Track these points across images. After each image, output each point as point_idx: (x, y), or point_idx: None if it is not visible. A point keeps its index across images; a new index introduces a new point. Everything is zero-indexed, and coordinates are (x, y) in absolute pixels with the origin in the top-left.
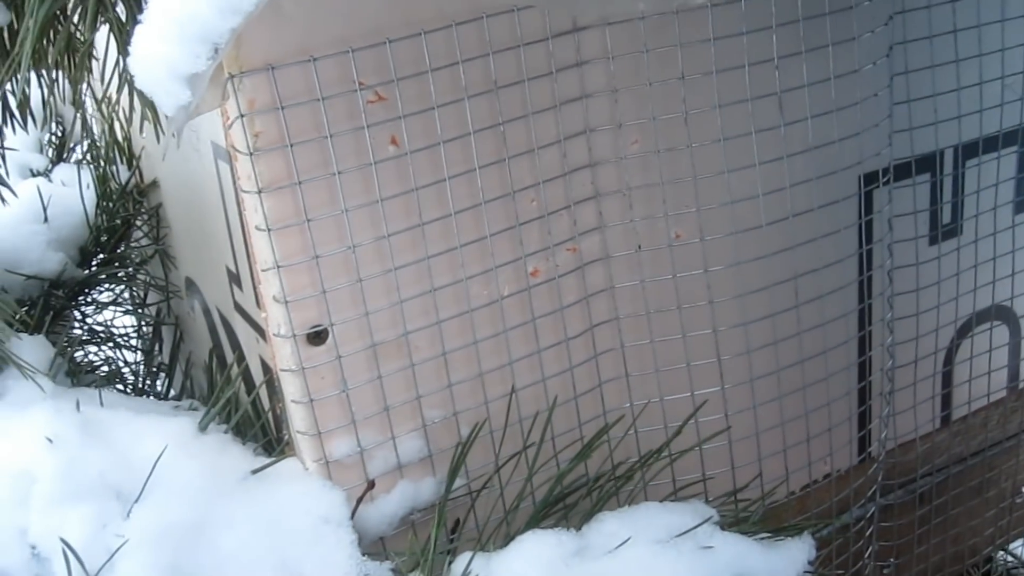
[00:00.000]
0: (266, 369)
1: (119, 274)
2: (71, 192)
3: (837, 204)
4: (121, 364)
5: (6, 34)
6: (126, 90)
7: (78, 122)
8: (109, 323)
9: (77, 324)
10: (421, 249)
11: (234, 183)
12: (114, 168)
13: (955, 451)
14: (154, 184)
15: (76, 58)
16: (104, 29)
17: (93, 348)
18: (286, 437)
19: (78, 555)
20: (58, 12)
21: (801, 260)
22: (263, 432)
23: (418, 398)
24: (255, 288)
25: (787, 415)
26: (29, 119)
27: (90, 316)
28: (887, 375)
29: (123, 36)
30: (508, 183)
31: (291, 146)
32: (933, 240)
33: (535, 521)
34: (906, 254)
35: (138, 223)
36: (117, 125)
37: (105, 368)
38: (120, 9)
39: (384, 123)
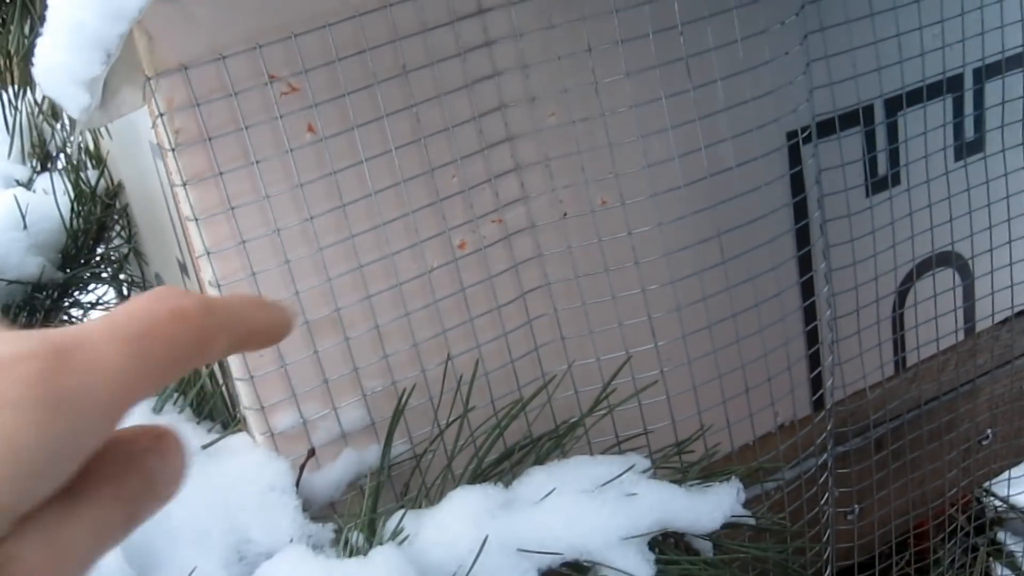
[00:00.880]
0: None
1: (101, 274)
2: (50, 200)
3: (758, 161)
4: None
5: None
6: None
7: (54, 132)
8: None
9: (64, 324)
10: (345, 229)
11: (168, 178)
12: (85, 173)
13: (911, 396)
14: (120, 186)
15: (14, 68)
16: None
17: None
18: (239, 414)
19: None
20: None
21: (726, 217)
22: (224, 411)
23: (355, 370)
24: (196, 276)
25: (723, 368)
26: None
27: (76, 319)
28: (829, 325)
29: None
30: (427, 161)
31: (210, 140)
32: (868, 191)
33: (474, 480)
34: (842, 206)
35: (112, 224)
36: (87, 132)
37: None
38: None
39: (299, 112)
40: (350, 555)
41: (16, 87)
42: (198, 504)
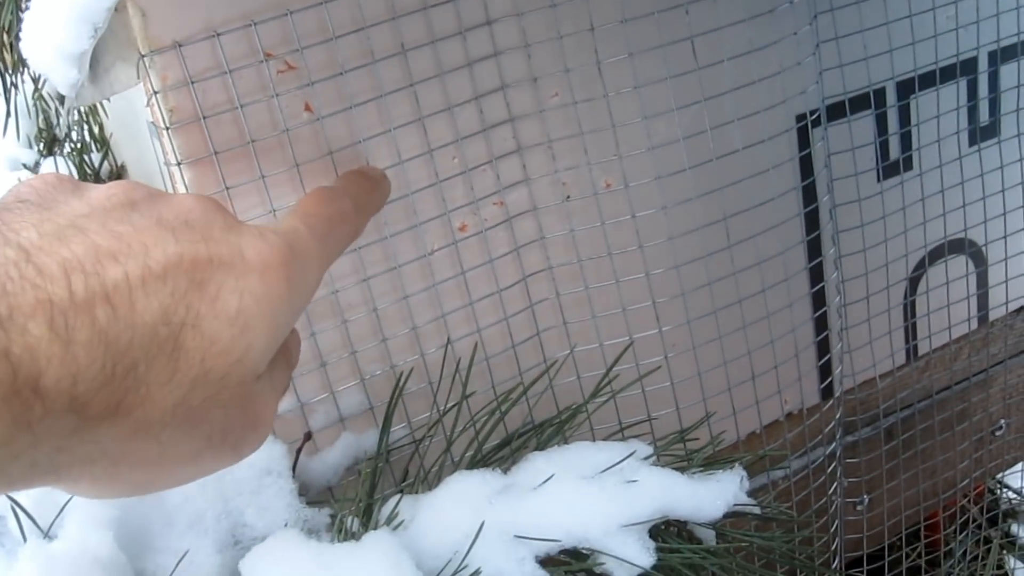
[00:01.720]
0: None
1: None
2: None
3: (765, 144)
4: None
5: None
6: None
7: (63, 116)
8: None
9: None
10: None
11: (164, 157)
12: (90, 156)
13: (922, 385)
14: (123, 168)
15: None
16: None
17: None
18: None
19: (29, 513)
20: None
21: (733, 200)
22: None
23: (353, 353)
24: None
25: (729, 355)
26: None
27: None
28: (838, 312)
29: None
30: (427, 142)
31: (204, 119)
32: (888, 173)
33: (475, 466)
34: (853, 191)
35: None
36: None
37: None
38: None
39: (296, 91)
40: (344, 540)
41: (16, 67)
42: (192, 487)
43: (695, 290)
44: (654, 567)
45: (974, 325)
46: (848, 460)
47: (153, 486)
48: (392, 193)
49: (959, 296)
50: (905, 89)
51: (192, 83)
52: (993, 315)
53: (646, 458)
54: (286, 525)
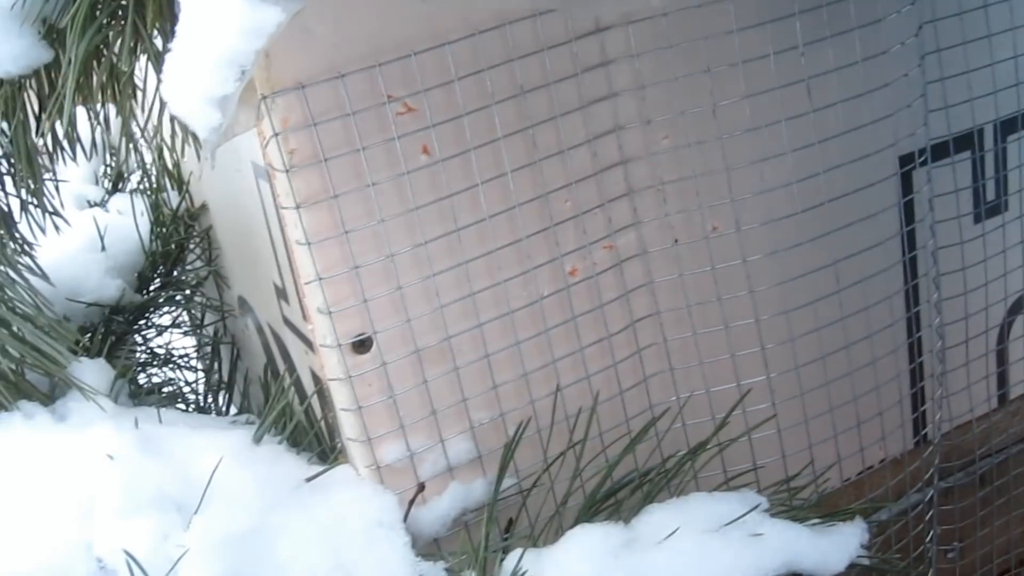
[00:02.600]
0: (316, 380)
1: (176, 297)
2: (126, 221)
3: (874, 187)
4: (182, 384)
5: (52, 72)
6: (168, 117)
7: (131, 152)
8: (168, 345)
9: (139, 347)
10: (458, 254)
11: (274, 200)
12: (165, 195)
13: (1014, 430)
14: (203, 207)
15: (119, 88)
16: (144, 59)
17: (155, 370)
18: (339, 445)
19: (142, 566)
20: (99, 45)
21: (840, 245)
22: (317, 441)
23: (464, 400)
24: (300, 301)
25: (835, 401)
26: (80, 151)
27: (151, 339)
28: (938, 356)
29: (159, 65)
30: (540, 185)
31: (325, 161)
32: (977, 218)
33: (585, 516)
34: (950, 233)
35: (191, 246)
36: (166, 152)
37: (168, 388)
38: (157, 39)
39: (415, 133)
40: None
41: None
42: (304, 539)
43: (803, 336)
44: None
45: None
46: (942, 507)
47: None
48: (506, 237)
49: None
50: (1006, 130)
51: (315, 124)
52: None
53: (766, 510)
54: None
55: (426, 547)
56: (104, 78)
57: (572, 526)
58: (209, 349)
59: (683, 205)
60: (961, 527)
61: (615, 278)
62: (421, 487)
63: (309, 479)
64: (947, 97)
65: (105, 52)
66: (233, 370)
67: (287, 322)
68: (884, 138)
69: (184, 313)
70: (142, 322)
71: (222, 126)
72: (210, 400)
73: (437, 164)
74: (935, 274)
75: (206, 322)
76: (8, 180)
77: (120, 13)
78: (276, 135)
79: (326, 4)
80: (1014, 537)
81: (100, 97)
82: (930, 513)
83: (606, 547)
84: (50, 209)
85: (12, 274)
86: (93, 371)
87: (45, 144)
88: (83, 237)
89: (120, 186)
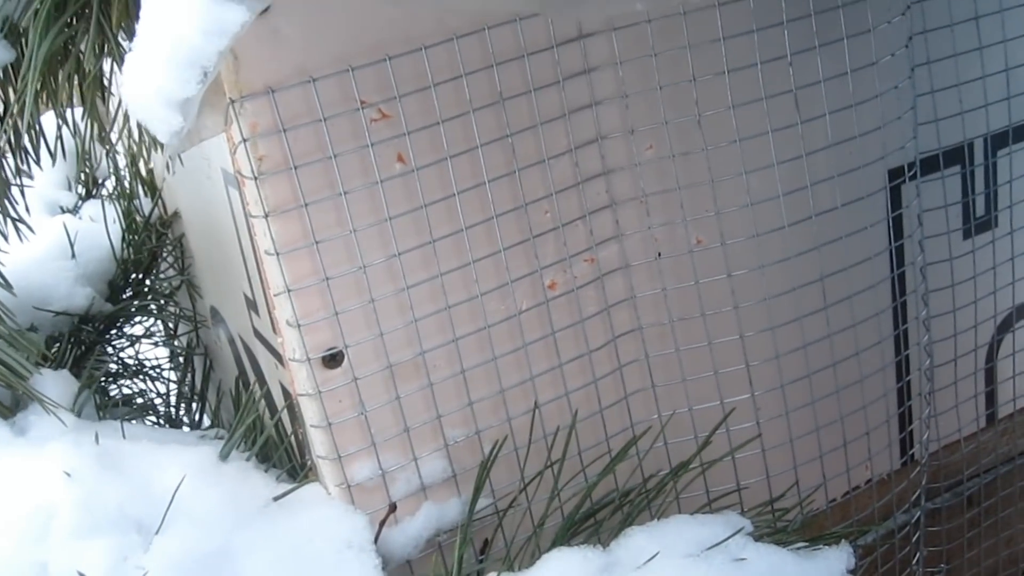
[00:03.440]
0: (287, 395)
1: (149, 306)
2: (98, 227)
3: (863, 201)
4: (153, 395)
5: (15, 73)
6: (134, 121)
7: (103, 157)
8: (138, 355)
9: (109, 357)
10: (433, 266)
11: (243, 208)
12: (138, 201)
13: (1002, 450)
14: (176, 215)
15: (83, 89)
16: (110, 61)
17: (126, 381)
18: (309, 462)
19: None
20: (65, 44)
21: (827, 259)
22: (287, 458)
23: (438, 417)
24: (270, 313)
25: (821, 420)
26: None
27: (123, 349)
28: (926, 375)
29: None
30: (519, 195)
31: (295, 168)
32: (967, 234)
33: (563, 538)
34: (939, 249)
35: (163, 255)
36: (139, 157)
37: (139, 400)
38: (125, 42)
39: (389, 140)
40: None
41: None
42: (270, 561)
43: (789, 353)
44: None
45: None
46: (929, 528)
47: None
48: (483, 249)
49: None
50: (996, 144)
51: (284, 130)
52: None
53: (749, 533)
54: None
55: (398, 570)
56: (68, 79)
57: (549, 548)
58: (181, 360)
59: (667, 217)
60: (948, 549)
61: (596, 292)
62: (393, 507)
63: (277, 498)
64: (937, 110)
65: (71, 50)
66: (205, 382)
67: (257, 334)
68: (873, 151)
69: (157, 323)
70: (113, 332)
71: (183, 129)
72: (182, 412)
73: (412, 173)
74: (924, 291)
75: (179, 332)
76: None
77: (86, 12)
78: (245, 141)
79: (295, 5)
80: (1002, 559)
81: (65, 99)
82: (917, 534)
83: (584, 571)
84: (13, 215)
85: None
86: (56, 383)
87: (8, 147)
88: (52, 244)
89: (94, 192)
